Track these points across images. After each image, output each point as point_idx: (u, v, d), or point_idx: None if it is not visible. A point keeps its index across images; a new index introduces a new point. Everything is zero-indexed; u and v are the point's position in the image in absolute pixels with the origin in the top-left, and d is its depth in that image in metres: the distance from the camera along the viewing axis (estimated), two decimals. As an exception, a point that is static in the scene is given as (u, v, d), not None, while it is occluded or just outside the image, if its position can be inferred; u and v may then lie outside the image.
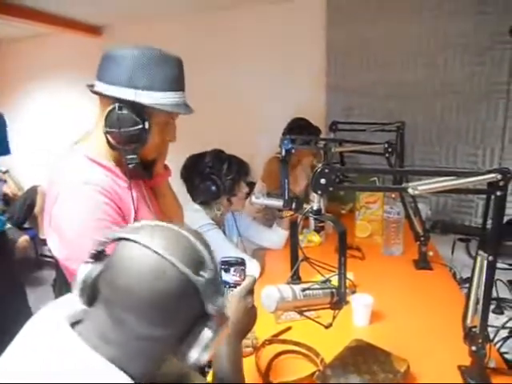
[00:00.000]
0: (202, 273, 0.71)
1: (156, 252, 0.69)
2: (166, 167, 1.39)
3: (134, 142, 1.14)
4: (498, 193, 1.05)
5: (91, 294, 0.74)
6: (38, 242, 4.16)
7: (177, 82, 1.17)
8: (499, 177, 1.04)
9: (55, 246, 1.16)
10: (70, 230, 1.11)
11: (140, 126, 1.12)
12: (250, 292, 1.00)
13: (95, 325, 0.73)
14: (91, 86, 1.18)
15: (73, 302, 0.77)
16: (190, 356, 0.73)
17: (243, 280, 1.00)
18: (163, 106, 1.13)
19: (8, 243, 2.56)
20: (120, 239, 0.73)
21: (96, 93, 1.16)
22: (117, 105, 1.10)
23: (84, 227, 1.10)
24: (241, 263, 1.00)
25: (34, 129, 4.41)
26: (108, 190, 1.14)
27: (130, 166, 1.16)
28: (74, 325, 0.74)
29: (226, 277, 1.00)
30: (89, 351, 0.69)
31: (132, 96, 1.10)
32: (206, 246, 0.76)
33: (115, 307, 0.71)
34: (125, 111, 1.10)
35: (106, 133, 1.14)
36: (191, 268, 0.70)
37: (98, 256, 0.76)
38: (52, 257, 1.23)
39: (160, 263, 0.69)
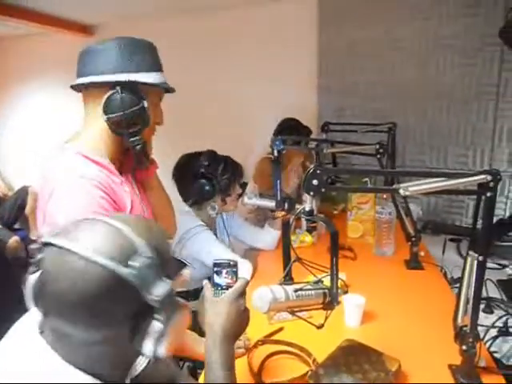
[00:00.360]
0: (131, 263, 0.67)
1: (72, 251, 0.66)
2: (152, 161, 1.39)
3: (138, 122, 1.17)
4: (488, 194, 1.06)
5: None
6: (29, 243, 4.12)
7: (158, 63, 1.23)
8: (489, 178, 1.05)
9: None
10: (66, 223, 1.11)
11: (142, 105, 1.16)
12: (242, 294, 0.99)
13: (47, 334, 0.72)
14: (74, 86, 1.19)
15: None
16: (144, 351, 0.69)
17: (235, 282, 1.00)
18: (157, 82, 1.18)
19: None
20: (45, 245, 0.70)
21: (87, 86, 1.17)
22: (118, 88, 1.13)
23: None
24: (233, 265, 1.00)
25: (26, 129, 4.38)
26: (103, 185, 1.15)
27: (138, 147, 1.18)
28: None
29: (217, 279, 1.00)
30: (51, 355, 0.68)
31: (128, 78, 1.14)
32: (143, 232, 0.72)
33: (51, 316, 0.69)
34: (124, 93, 1.13)
35: (108, 120, 1.15)
36: (116, 260, 0.66)
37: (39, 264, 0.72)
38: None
39: (79, 262, 0.65)
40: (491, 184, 1.06)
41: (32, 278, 0.70)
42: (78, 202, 1.11)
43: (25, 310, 0.78)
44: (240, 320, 0.99)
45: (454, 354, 1.19)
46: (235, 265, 1.00)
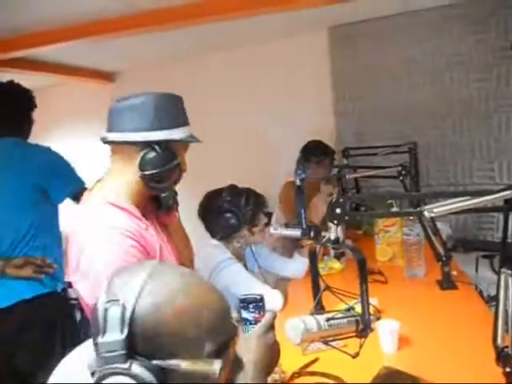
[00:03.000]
0: None
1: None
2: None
3: (172, 178, 1.23)
4: (515, 209, 1.05)
5: None
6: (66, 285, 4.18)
7: (186, 117, 1.28)
8: (515, 193, 1.04)
9: (85, 292, 1.18)
10: (101, 274, 1.13)
11: (176, 162, 1.22)
12: (271, 328, 0.99)
13: None
14: (106, 140, 1.22)
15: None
16: None
17: (263, 316, 1.00)
18: (188, 139, 1.24)
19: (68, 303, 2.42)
20: None
21: (121, 143, 1.20)
22: (156, 146, 1.17)
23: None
24: (259, 300, 1.00)
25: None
26: (134, 233, 1.18)
27: (170, 202, 1.30)
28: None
29: (245, 314, 1.00)
30: None
31: (163, 136, 1.18)
32: None
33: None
34: (160, 152, 1.18)
35: (143, 176, 1.20)
36: None
37: None
38: (76, 299, 1.25)
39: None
40: (518, 199, 1.05)
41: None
42: (111, 252, 1.14)
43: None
44: (271, 354, 0.98)
45: (498, 376, 1.15)
46: (261, 299, 1.00)
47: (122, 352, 0.63)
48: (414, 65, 2.98)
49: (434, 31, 2.89)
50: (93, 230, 1.16)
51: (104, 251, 1.13)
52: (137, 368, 0.63)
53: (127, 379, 0.62)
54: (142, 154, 1.18)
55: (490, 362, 1.15)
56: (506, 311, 1.13)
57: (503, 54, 2.67)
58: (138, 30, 2.34)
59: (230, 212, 1.95)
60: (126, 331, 0.63)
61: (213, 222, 2.00)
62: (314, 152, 2.65)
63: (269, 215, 2.11)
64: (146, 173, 1.19)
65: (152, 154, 1.17)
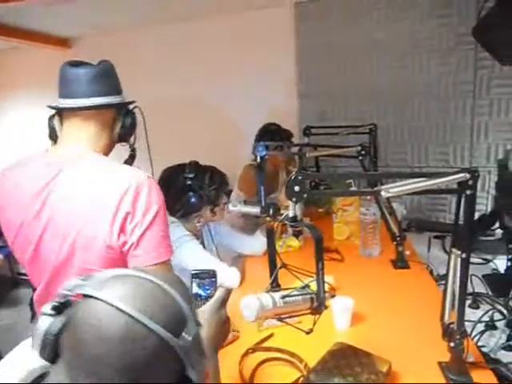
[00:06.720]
0: (183, 334, 0.63)
1: (127, 313, 0.60)
2: None
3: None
4: (468, 192, 1.08)
5: (53, 350, 0.65)
6: (13, 260, 4.05)
7: None
8: (468, 176, 1.07)
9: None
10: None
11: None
12: (223, 304, 0.99)
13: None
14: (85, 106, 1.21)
15: (25, 358, 0.71)
16: None
17: (215, 292, 0.99)
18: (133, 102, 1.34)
19: None
20: (86, 296, 0.64)
21: (103, 107, 1.22)
22: (135, 105, 1.30)
23: None
24: (212, 275, 0.99)
25: (4, 143, 4.31)
26: None
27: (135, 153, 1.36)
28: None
29: (197, 290, 0.99)
30: None
31: (127, 98, 1.30)
32: (187, 298, 0.68)
33: (78, 372, 0.62)
34: (132, 113, 1.30)
35: (124, 135, 1.28)
36: (171, 330, 0.61)
37: (60, 308, 0.67)
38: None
39: (132, 327, 0.60)
40: (470, 182, 1.08)
41: (46, 321, 0.65)
42: (161, 196, 1.18)
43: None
44: (222, 330, 0.98)
45: (443, 351, 1.20)
46: (214, 275, 0.99)
47: None
48: (376, 46, 2.99)
49: (397, 13, 2.90)
50: (134, 177, 1.15)
51: (158, 193, 1.17)
52: None
53: None
54: (121, 116, 1.26)
55: (437, 337, 1.21)
56: (453, 290, 1.17)
57: (464, 40, 2.72)
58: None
59: (193, 191, 1.89)
60: None
61: (173, 199, 1.92)
62: (270, 138, 2.57)
63: (229, 193, 2.09)
64: (125, 132, 1.27)
65: (129, 115, 1.27)
